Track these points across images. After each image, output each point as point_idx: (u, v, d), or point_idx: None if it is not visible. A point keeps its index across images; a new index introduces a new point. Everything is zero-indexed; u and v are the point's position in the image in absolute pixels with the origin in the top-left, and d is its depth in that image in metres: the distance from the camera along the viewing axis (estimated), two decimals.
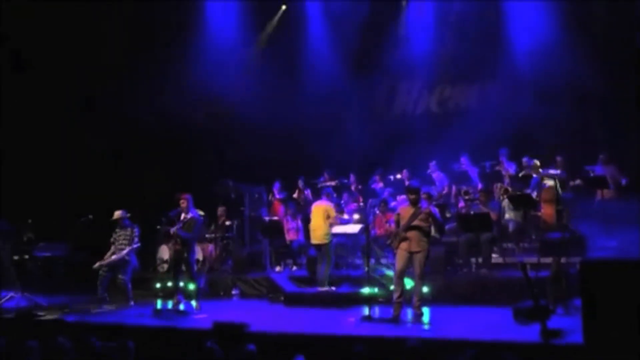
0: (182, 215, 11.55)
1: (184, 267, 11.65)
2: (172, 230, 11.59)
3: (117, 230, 12.44)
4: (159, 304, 11.41)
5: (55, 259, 15.18)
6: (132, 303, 12.08)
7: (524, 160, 13.50)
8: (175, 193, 11.73)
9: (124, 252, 12.12)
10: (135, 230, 12.36)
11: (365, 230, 11.76)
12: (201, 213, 12.48)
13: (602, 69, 13.84)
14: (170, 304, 11.93)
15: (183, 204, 11.51)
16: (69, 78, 16.29)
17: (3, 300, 12.78)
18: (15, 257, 14.13)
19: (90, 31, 16.10)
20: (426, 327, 9.38)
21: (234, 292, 13.13)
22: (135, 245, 12.27)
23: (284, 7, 17.49)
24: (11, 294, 12.93)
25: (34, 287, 14.35)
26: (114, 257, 12.13)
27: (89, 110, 16.71)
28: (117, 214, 12.40)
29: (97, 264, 12.22)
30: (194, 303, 11.66)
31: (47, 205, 15.70)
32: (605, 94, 13.95)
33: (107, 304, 12.03)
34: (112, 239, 12.41)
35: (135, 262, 12.42)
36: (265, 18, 17.38)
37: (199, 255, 13.81)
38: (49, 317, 11.34)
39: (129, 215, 12.50)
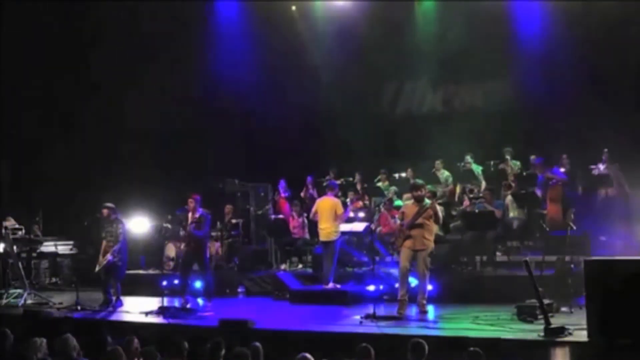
0: (190, 215, 11.57)
1: (195, 266, 11.67)
2: (184, 231, 11.61)
3: (105, 225, 12.23)
4: (165, 302, 11.45)
5: (62, 256, 15.31)
6: (118, 300, 12.06)
7: (531, 158, 13.54)
8: (185, 191, 11.74)
9: (109, 254, 11.98)
10: (121, 226, 12.08)
11: (370, 228, 11.79)
12: (206, 211, 12.54)
13: (608, 65, 13.85)
14: (176, 302, 11.97)
15: (191, 203, 11.50)
16: (78, 77, 16.41)
17: (10, 297, 12.85)
18: (23, 255, 14.22)
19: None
20: (430, 324, 9.41)
21: (239, 289, 13.17)
22: (120, 244, 11.98)
23: (293, 7, 17.51)
24: (18, 291, 13.01)
25: (40, 284, 14.49)
26: (108, 258, 12.01)
27: (95, 108, 16.79)
28: (105, 211, 12.16)
29: (97, 268, 12.20)
30: (200, 301, 11.71)
31: (54, 202, 15.77)
32: (611, 91, 13.96)
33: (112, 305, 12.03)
34: (103, 234, 12.20)
35: (125, 259, 12.33)
36: (273, 17, 17.39)
37: None
38: (56, 314, 11.41)
39: (116, 211, 12.32)
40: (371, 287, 11.13)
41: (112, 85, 16.59)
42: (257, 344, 7.01)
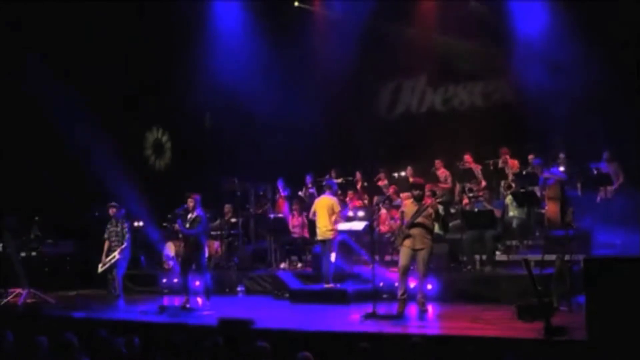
0: (189, 215, 11.60)
1: (194, 266, 11.68)
2: (175, 227, 11.65)
3: (108, 225, 12.35)
4: (164, 301, 11.47)
5: (62, 255, 15.33)
6: (120, 297, 12.07)
7: (529, 158, 13.56)
8: (184, 191, 11.76)
9: (118, 253, 12.05)
10: (126, 225, 12.24)
11: (370, 227, 11.78)
12: (206, 210, 12.59)
13: (608, 65, 13.84)
14: (176, 301, 12.00)
15: (190, 203, 11.54)
16: (77, 78, 16.39)
17: (11, 296, 12.86)
18: (23, 254, 14.23)
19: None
20: (430, 324, 9.41)
21: (239, 288, 13.19)
22: (127, 243, 12.15)
23: (296, 3, 17.52)
24: (19, 290, 13.02)
25: (41, 284, 14.49)
26: (115, 257, 12.05)
27: (95, 107, 16.75)
28: (112, 210, 12.32)
29: (100, 268, 12.22)
30: (199, 300, 11.73)
31: (53, 202, 15.77)
32: (611, 90, 13.95)
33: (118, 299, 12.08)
34: (105, 235, 12.33)
35: (128, 256, 12.36)
36: (274, 16, 17.38)
37: None
38: (56, 313, 11.42)
39: (122, 210, 12.44)
40: (370, 286, 11.12)
41: (120, 83, 16.56)
42: (264, 343, 6.99)
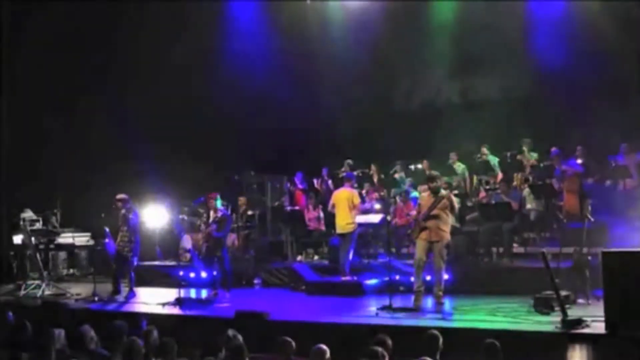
0: (212, 215, 11.69)
1: (216, 259, 11.77)
2: (207, 231, 11.77)
3: (120, 216, 12.31)
4: (181, 293, 11.51)
5: (79, 247, 15.41)
6: (131, 291, 12.12)
7: (552, 150, 13.45)
8: (202, 183, 11.83)
9: (128, 252, 12.07)
10: (132, 217, 12.18)
11: (386, 220, 11.76)
12: (224, 203, 12.64)
13: (627, 57, 13.73)
14: (192, 293, 12.05)
15: (211, 202, 11.66)
16: (95, 72, 16.47)
17: (29, 288, 12.95)
18: (41, 246, 14.32)
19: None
20: (447, 316, 9.39)
21: (256, 281, 13.22)
22: (135, 237, 12.16)
23: (308, 1, 17.47)
24: (37, 282, 13.12)
25: (58, 276, 14.62)
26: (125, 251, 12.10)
27: (115, 98, 16.83)
28: (119, 203, 12.27)
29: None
30: (216, 292, 11.78)
31: (72, 194, 15.85)
32: (630, 83, 13.84)
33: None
34: (120, 223, 12.33)
35: (138, 248, 12.38)
36: (288, 13, 17.36)
37: None
38: (73, 305, 11.50)
39: (128, 201, 12.42)
40: (387, 279, 11.12)
41: (138, 74, 16.60)
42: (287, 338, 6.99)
